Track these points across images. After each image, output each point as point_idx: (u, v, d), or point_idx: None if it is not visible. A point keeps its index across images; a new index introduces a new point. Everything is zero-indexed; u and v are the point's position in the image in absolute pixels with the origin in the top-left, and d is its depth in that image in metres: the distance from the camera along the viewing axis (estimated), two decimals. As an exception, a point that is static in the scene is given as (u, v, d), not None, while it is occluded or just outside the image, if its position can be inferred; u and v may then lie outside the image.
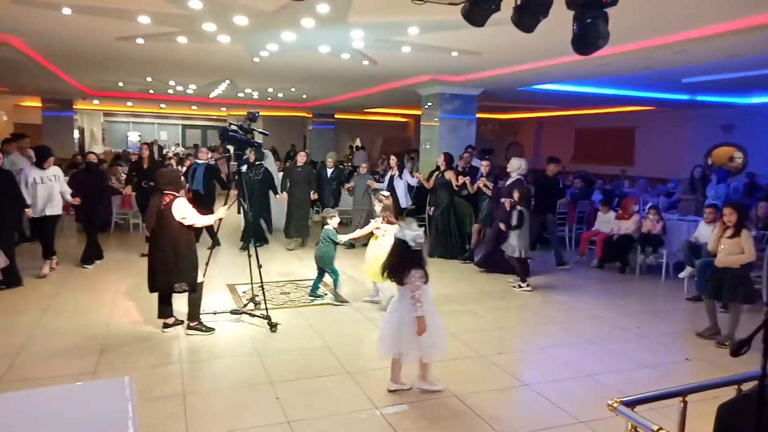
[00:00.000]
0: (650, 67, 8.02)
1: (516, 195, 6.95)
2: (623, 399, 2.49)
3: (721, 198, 9.31)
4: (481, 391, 4.00)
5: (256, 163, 8.70)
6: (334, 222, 6.04)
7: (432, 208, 8.73)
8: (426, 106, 11.84)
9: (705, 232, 6.69)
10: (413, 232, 3.80)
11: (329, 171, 9.68)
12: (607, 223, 8.56)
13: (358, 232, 6.23)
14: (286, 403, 3.71)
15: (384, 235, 5.62)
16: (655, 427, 2.23)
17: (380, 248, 5.41)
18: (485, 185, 8.10)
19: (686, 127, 14.74)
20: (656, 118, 15.31)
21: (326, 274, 6.09)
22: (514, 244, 6.82)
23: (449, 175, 8.49)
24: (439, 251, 8.48)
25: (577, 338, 5.17)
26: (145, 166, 8.30)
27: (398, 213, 8.53)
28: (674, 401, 2.71)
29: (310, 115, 20.80)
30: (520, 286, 6.82)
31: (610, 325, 5.62)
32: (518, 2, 3.87)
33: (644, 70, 8.30)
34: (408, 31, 6.42)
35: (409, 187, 9.62)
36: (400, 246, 3.84)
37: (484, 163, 8.46)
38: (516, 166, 7.40)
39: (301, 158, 9.07)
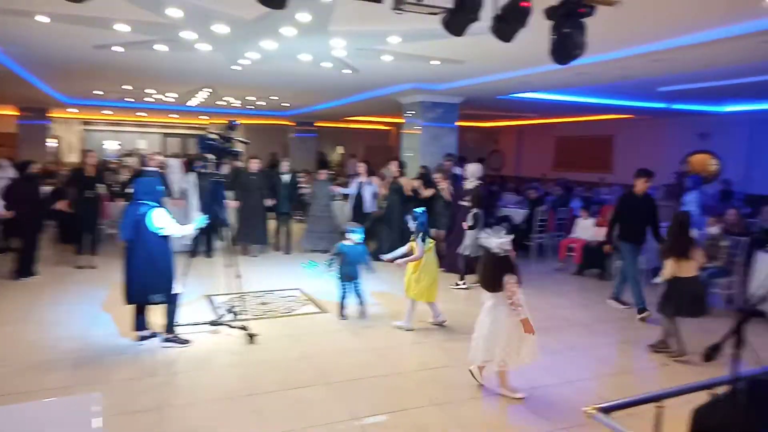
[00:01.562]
0: (627, 77, 8.17)
1: (470, 198, 7.38)
2: (600, 405, 2.51)
3: (694, 204, 9.48)
4: (457, 400, 4.01)
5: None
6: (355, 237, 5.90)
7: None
8: (407, 115, 11.90)
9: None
10: (498, 240, 3.95)
11: (285, 177, 9.47)
12: (585, 229, 8.66)
13: (401, 251, 5.76)
14: (265, 415, 3.67)
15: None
16: (627, 434, 2.25)
17: (421, 265, 5.45)
18: (446, 190, 8.39)
19: (663, 135, 15.01)
20: (634, 126, 15.58)
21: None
22: (467, 243, 7.22)
23: (404, 181, 8.84)
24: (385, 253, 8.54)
25: (558, 344, 5.21)
26: (90, 174, 7.81)
27: (363, 218, 8.75)
28: (650, 406, 2.74)
29: (292, 123, 20.76)
30: (457, 285, 7.29)
31: (589, 331, 5.68)
32: (497, 12, 3.93)
33: (621, 79, 8.45)
34: (389, 39, 6.45)
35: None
36: (488, 254, 4.00)
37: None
38: (473, 172, 7.61)
39: (254, 165, 9.00)
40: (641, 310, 6.16)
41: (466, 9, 3.78)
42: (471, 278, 7.12)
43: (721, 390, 2.68)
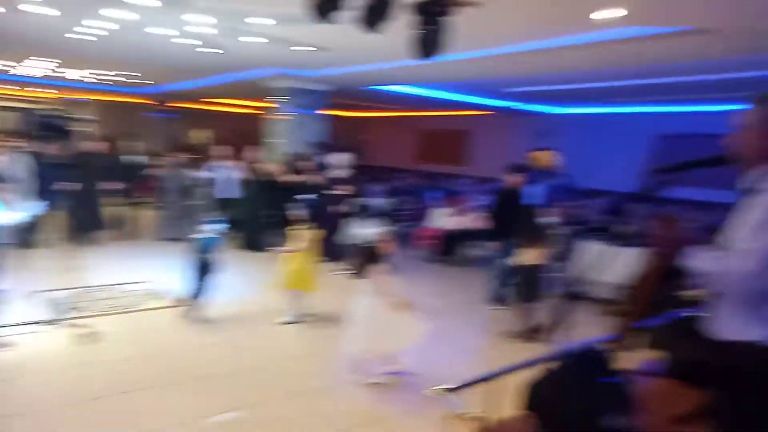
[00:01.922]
0: (483, 76, 8.77)
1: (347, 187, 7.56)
2: (445, 386, 2.68)
3: (538, 196, 10.46)
4: (317, 390, 4.03)
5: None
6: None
7: None
8: (276, 100, 11.61)
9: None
10: (371, 229, 4.13)
11: (137, 159, 8.97)
12: (442, 219, 9.17)
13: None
14: (99, 421, 3.37)
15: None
16: (472, 411, 2.44)
17: (303, 255, 5.33)
18: (316, 178, 8.41)
19: (510, 132, 16.38)
20: (486, 122, 16.81)
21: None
22: (347, 232, 7.38)
23: (269, 168, 8.81)
24: (246, 244, 8.51)
25: (417, 330, 5.35)
26: None
27: (225, 204, 8.50)
28: (493, 383, 2.98)
29: (154, 102, 19.22)
30: (343, 270, 7.40)
31: (440, 316, 5.94)
32: (366, 3, 3.99)
33: (478, 78, 9.05)
34: (256, 21, 6.22)
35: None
36: (362, 243, 4.21)
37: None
38: (339, 162, 7.77)
39: (99, 146, 8.31)
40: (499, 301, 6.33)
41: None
42: (348, 266, 7.27)
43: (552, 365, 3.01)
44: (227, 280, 5.81)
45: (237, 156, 9.28)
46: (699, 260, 1.74)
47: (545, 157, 15.88)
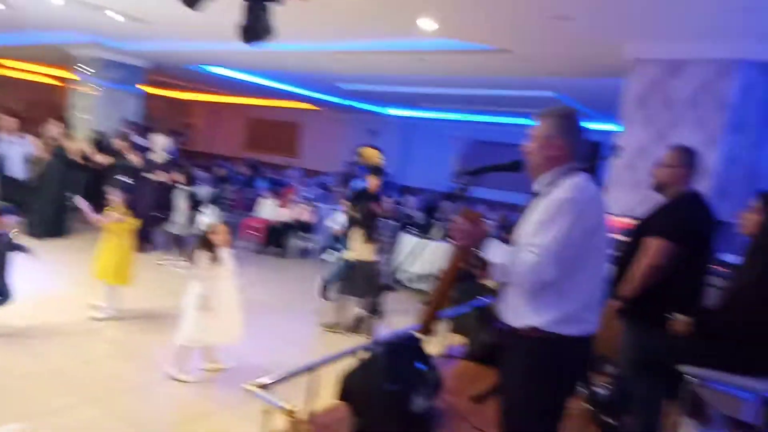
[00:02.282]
0: (311, 69, 8.76)
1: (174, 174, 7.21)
2: (259, 382, 2.60)
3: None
4: (121, 390, 3.65)
5: None
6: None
7: None
8: (82, 71, 10.22)
9: (342, 221, 7.75)
10: (207, 219, 3.92)
11: None
12: (269, 210, 8.99)
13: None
14: None
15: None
16: (287, 405, 2.40)
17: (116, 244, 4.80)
18: (134, 160, 7.67)
19: (341, 128, 16.72)
20: (318, 116, 16.92)
21: None
22: (181, 221, 7.07)
23: (69, 145, 7.88)
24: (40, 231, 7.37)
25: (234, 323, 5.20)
26: None
27: (11, 185, 7.31)
28: (307, 375, 2.97)
29: None
30: (172, 261, 7.01)
31: (262, 306, 5.81)
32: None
33: (306, 71, 9.02)
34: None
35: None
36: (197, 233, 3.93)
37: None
38: (161, 145, 7.28)
39: None
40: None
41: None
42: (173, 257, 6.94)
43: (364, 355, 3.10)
44: (23, 271, 4.94)
45: (30, 130, 7.96)
46: (493, 253, 1.90)
47: (372, 155, 16.56)
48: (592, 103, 8.95)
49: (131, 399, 3.59)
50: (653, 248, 2.73)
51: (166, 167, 7.37)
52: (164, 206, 7.29)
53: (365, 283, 5.30)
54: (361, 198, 5.82)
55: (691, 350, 2.52)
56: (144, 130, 9.71)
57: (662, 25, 4.50)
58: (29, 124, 8.21)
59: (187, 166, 7.80)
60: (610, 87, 6.41)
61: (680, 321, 2.56)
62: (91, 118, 10.04)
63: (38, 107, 17.74)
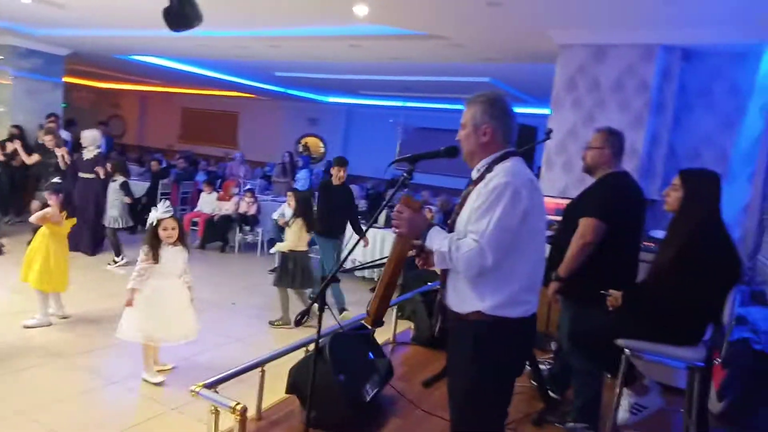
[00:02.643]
0: (245, 57, 8.50)
1: (108, 167, 7.07)
2: (205, 382, 2.53)
3: (304, 181, 10.71)
4: (62, 398, 3.46)
5: None
6: None
7: None
8: (-9, 59, 9.48)
9: (288, 213, 7.63)
10: (155, 213, 3.79)
11: None
12: (209, 203, 8.72)
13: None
14: None
15: None
16: (233, 404, 2.35)
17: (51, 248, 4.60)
18: (63, 157, 7.27)
19: (281, 117, 16.40)
20: (257, 105, 16.50)
21: None
22: (115, 215, 6.83)
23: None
24: None
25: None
26: None
27: None
28: (255, 372, 2.93)
29: None
30: (114, 262, 6.80)
31: (206, 303, 5.65)
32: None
33: (240, 58, 8.75)
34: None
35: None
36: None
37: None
38: (91, 139, 7.03)
39: None
40: (341, 310, 5.46)
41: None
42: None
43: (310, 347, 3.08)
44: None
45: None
46: (432, 241, 1.92)
47: (315, 144, 16.41)
48: (527, 89, 9.19)
49: (74, 408, 3.41)
50: (584, 227, 2.85)
51: (97, 162, 7.02)
52: (100, 203, 7.00)
53: (301, 275, 5.31)
54: (327, 190, 5.71)
55: (623, 324, 2.65)
56: (67, 123, 9.18)
57: (586, 12, 4.66)
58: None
59: (121, 159, 7.46)
60: (543, 72, 6.59)
61: (614, 296, 2.69)
62: (5, 110, 9.35)
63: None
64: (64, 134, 8.66)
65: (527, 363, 3.18)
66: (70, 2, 6.35)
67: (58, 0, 6.31)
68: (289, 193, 6.63)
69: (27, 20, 7.82)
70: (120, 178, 7.02)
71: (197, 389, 2.46)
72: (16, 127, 8.87)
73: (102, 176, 7.03)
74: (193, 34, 4.41)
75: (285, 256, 5.41)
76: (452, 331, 2.05)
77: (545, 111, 5.64)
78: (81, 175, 7.05)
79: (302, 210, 5.40)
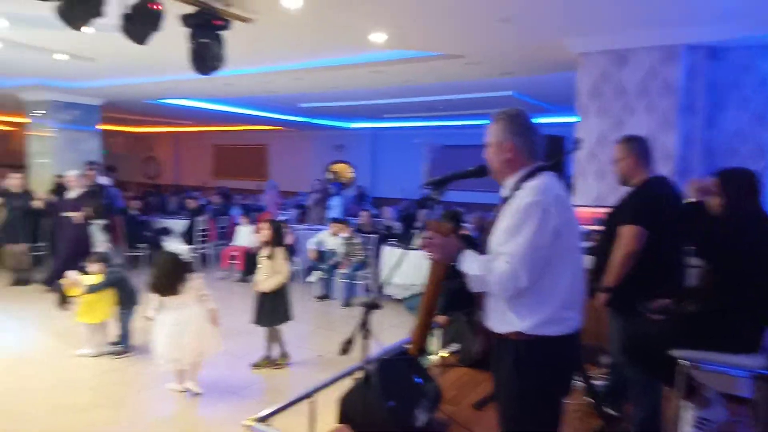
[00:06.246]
0: (270, 91, 8.73)
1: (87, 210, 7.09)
2: (258, 416, 2.57)
3: (339, 207, 10.83)
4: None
5: None
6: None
7: None
8: (34, 114, 9.99)
9: (329, 241, 7.74)
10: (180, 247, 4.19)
11: None
12: (246, 236, 8.89)
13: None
14: None
15: None
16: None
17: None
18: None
19: (308, 146, 16.69)
20: (284, 136, 16.86)
21: None
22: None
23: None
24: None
25: (221, 353, 4.82)
26: None
27: None
28: (304, 404, 2.95)
29: None
30: None
31: (253, 335, 5.72)
32: (126, 11, 3.63)
33: (265, 93, 8.99)
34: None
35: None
36: (171, 260, 4.13)
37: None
38: (75, 181, 7.32)
39: None
40: None
41: (85, 1, 3.35)
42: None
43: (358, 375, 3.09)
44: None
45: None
46: (468, 265, 1.92)
47: (343, 170, 16.61)
48: (550, 98, 9.14)
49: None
50: (626, 235, 2.81)
51: (79, 204, 7.14)
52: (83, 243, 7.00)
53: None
54: None
55: (676, 332, 2.58)
56: (107, 169, 9.55)
57: (601, 18, 4.62)
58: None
59: (98, 200, 7.54)
60: (565, 80, 6.56)
61: (660, 304, 2.63)
62: (49, 161, 9.82)
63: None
64: (104, 180, 9.01)
65: (578, 380, 3.11)
66: (100, 55, 6.69)
67: (90, 54, 6.65)
68: (263, 224, 5.47)
69: (63, 75, 8.24)
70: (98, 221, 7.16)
71: (251, 423, 2.51)
72: (60, 176, 9.28)
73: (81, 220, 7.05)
74: (218, 74, 4.57)
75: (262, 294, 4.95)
76: (495, 351, 2.05)
77: (572, 119, 5.59)
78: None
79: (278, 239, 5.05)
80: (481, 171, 2.07)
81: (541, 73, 6.84)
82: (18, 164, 10.41)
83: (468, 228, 7.04)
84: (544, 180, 1.95)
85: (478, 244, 2.07)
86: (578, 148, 4.01)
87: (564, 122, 9.62)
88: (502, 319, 1.95)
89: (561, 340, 1.91)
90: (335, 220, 8.32)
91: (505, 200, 2.00)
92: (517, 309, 1.90)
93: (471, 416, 3.36)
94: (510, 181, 2.01)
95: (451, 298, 3.96)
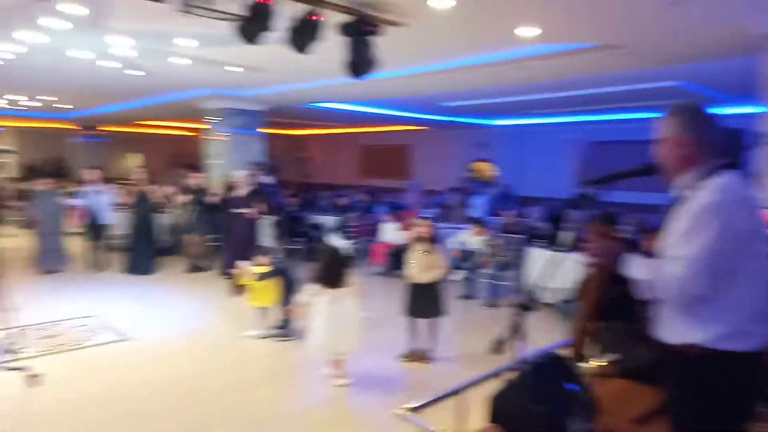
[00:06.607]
0: (414, 92, 8.93)
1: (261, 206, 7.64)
2: (410, 406, 2.67)
3: (482, 206, 10.72)
4: (283, 416, 3.91)
5: None
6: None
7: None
8: (210, 121, 11.36)
9: (471, 240, 7.72)
10: (342, 242, 4.37)
11: None
12: (391, 233, 9.20)
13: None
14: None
15: None
16: (439, 429, 2.44)
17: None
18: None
19: (450, 145, 16.77)
20: (426, 136, 17.13)
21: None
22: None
23: (152, 189, 8.76)
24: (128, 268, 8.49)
25: (365, 346, 4.86)
26: None
27: (98, 230, 8.47)
28: (454, 399, 2.99)
29: (77, 127, 18.34)
30: None
31: (399, 329, 5.88)
32: (291, 24, 3.99)
33: (411, 94, 9.21)
34: (182, 42, 6.08)
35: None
36: (333, 254, 4.45)
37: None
38: (247, 178, 7.92)
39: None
40: None
41: (258, 18, 3.76)
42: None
43: (510, 375, 3.05)
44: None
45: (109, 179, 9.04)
46: (636, 269, 1.81)
47: (485, 169, 16.39)
48: (723, 87, 8.14)
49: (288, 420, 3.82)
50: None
51: (247, 201, 7.74)
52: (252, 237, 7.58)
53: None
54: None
55: None
56: (271, 169, 10.51)
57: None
58: (173, 175, 9.30)
59: (266, 197, 8.11)
60: (741, 67, 5.83)
61: None
62: (223, 162, 11.08)
63: (180, 158, 19.95)
64: (269, 179, 9.92)
65: (763, 404, 2.75)
66: (270, 66, 7.39)
67: (258, 65, 7.39)
68: (417, 221, 5.76)
69: (233, 85, 9.26)
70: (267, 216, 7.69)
71: (402, 412, 2.61)
72: (229, 176, 10.42)
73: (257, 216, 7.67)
74: (368, 78, 4.83)
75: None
76: (668, 364, 1.90)
77: (751, 110, 4.94)
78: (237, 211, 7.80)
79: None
80: (650, 169, 1.94)
81: (714, 59, 6.13)
82: (192, 165, 11.97)
83: (626, 231, 6.56)
84: (727, 179, 1.77)
85: (640, 248, 1.94)
86: (763, 142, 3.53)
87: (741, 113, 8.53)
88: (677, 330, 1.81)
89: (745, 357, 1.72)
90: (473, 220, 8.24)
91: (678, 200, 1.86)
92: (694, 319, 1.75)
93: (631, 430, 3.13)
94: (684, 180, 1.85)
95: (609, 305, 3.74)
